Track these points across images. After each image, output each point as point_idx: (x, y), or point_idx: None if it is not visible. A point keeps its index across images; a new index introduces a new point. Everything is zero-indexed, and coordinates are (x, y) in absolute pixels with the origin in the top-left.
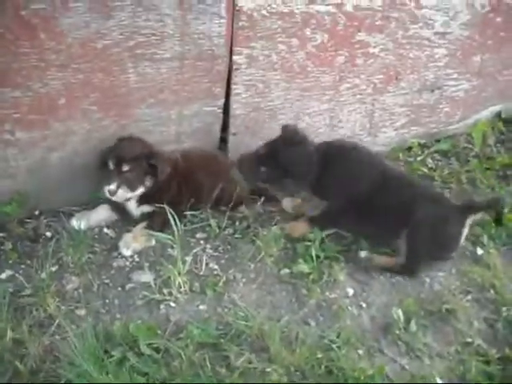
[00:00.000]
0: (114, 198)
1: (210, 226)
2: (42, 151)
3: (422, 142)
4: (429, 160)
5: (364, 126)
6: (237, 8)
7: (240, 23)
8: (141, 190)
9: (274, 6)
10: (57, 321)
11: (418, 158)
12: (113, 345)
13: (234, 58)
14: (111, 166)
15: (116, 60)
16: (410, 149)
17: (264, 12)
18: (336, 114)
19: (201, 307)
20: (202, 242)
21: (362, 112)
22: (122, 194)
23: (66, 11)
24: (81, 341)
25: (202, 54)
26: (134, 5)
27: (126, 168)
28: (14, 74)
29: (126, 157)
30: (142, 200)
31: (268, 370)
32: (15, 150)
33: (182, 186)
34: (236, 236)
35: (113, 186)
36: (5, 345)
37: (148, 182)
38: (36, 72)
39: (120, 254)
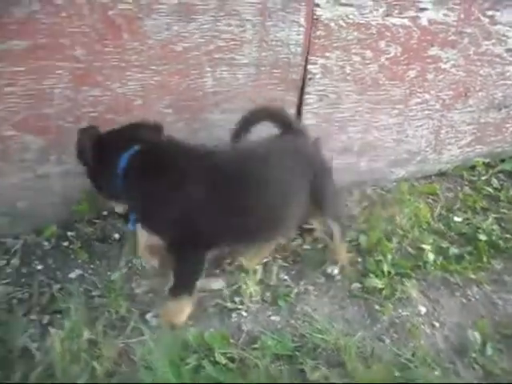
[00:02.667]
0: None
1: None
2: None
3: (487, 161)
4: (493, 180)
5: (430, 143)
6: (315, 17)
7: (317, 32)
8: None
9: (351, 16)
10: (131, 324)
11: (483, 178)
12: (188, 352)
13: (309, 67)
14: None
15: (194, 63)
16: (473, 167)
17: (341, 22)
18: (403, 129)
19: (273, 318)
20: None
21: (429, 128)
22: None
23: (151, 12)
24: (158, 346)
25: (279, 62)
26: (217, 9)
27: None
28: (95, 73)
29: None
30: None
31: None
32: None
33: None
34: (304, 247)
35: None
36: (81, 345)
37: None
38: (116, 72)
39: None
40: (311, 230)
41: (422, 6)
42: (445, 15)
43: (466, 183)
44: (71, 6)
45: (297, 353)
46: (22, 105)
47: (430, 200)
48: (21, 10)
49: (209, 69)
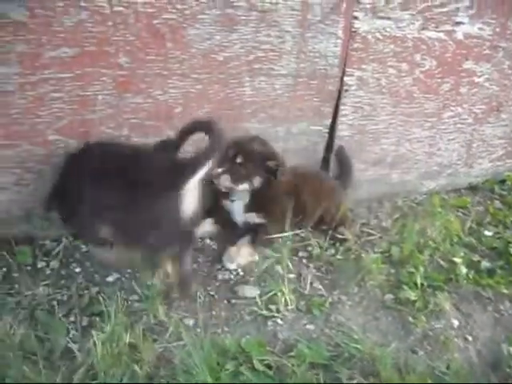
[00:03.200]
0: (215, 182)
1: (311, 245)
2: None
3: None
4: None
5: (461, 156)
6: (353, 29)
7: (355, 45)
8: (244, 187)
9: (388, 29)
10: (170, 328)
11: None
12: (226, 358)
13: (345, 79)
14: (230, 154)
15: (234, 73)
16: (503, 181)
17: (378, 35)
18: (436, 142)
19: (308, 326)
20: (304, 260)
21: (460, 141)
22: (223, 181)
23: (194, 22)
24: (198, 351)
25: (316, 73)
26: (258, 20)
27: (239, 160)
28: (138, 81)
29: (243, 151)
30: (249, 208)
31: None
32: None
33: (289, 201)
34: (338, 257)
35: (219, 170)
36: (122, 348)
37: (256, 183)
38: (158, 80)
39: (224, 267)
40: (344, 240)
41: (458, 19)
42: (480, 29)
43: (497, 197)
44: (117, 15)
45: (332, 362)
46: (66, 110)
47: (460, 213)
48: (70, 18)
49: (248, 78)
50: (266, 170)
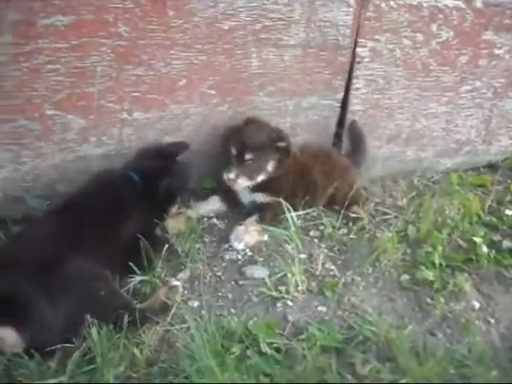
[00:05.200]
0: (232, 187)
1: (323, 224)
2: (157, 133)
3: None
4: None
5: (479, 133)
6: None
7: (367, 13)
8: (261, 178)
9: None
10: (172, 310)
11: None
12: (232, 341)
13: (358, 50)
14: (234, 152)
15: (240, 43)
16: None
17: (392, 3)
18: (453, 118)
19: (320, 308)
20: (315, 240)
21: (479, 117)
22: (240, 184)
23: None
24: (202, 334)
25: (326, 44)
26: None
27: (248, 156)
28: (139, 52)
29: (250, 145)
30: (256, 188)
31: (400, 382)
32: (130, 131)
33: (298, 180)
34: (351, 237)
35: (232, 175)
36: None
37: (270, 168)
38: (160, 50)
39: (231, 247)
40: (357, 219)
41: None
42: None
43: None
44: None
45: (345, 345)
46: (63, 83)
47: (479, 192)
48: None
49: (254, 49)
50: (277, 152)
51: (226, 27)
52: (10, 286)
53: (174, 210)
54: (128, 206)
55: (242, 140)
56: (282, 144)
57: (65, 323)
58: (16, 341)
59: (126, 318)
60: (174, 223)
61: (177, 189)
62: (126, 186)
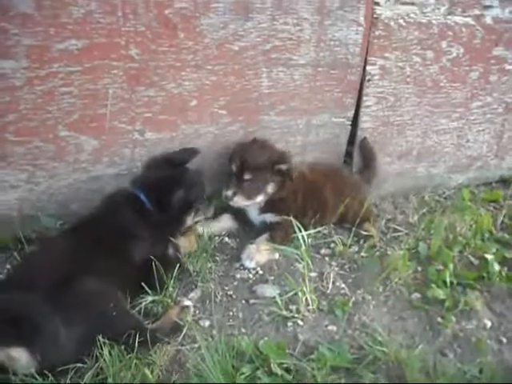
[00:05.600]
0: (230, 203)
1: (333, 242)
2: None
3: None
4: None
5: (491, 148)
6: (375, 16)
7: (377, 32)
8: (260, 199)
9: (412, 15)
10: (184, 331)
11: None
12: (242, 361)
13: (368, 68)
14: (234, 170)
15: (250, 63)
16: None
17: (401, 21)
18: (464, 133)
19: (330, 327)
20: (326, 258)
21: (490, 132)
22: (237, 201)
23: (207, 11)
24: (213, 354)
25: (336, 62)
26: (274, 7)
27: (247, 177)
28: (151, 73)
29: (249, 165)
30: (265, 208)
31: None
32: (143, 151)
33: (307, 199)
34: (362, 255)
35: (229, 192)
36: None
37: (270, 189)
38: (171, 72)
39: (242, 265)
40: (369, 237)
41: (486, 3)
42: (511, 13)
43: None
44: (127, 4)
45: (355, 365)
46: (77, 105)
47: (491, 208)
48: (78, 9)
49: (265, 69)
50: (278, 174)
51: (236, 48)
52: (23, 307)
53: (189, 220)
54: (134, 229)
55: (243, 159)
56: (283, 167)
57: (77, 343)
58: (28, 361)
59: (137, 339)
60: (185, 242)
61: (191, 199)
62: (131, 208)
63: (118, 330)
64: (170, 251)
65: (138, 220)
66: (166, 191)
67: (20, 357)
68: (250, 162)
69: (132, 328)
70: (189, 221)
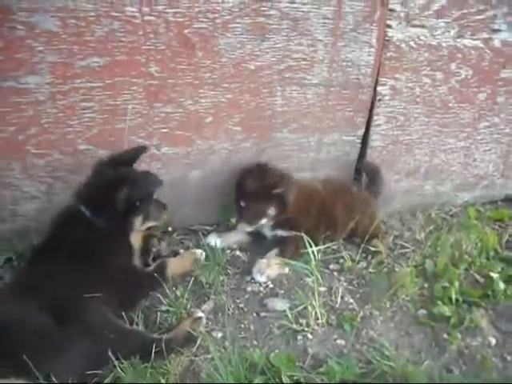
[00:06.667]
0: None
1: (342, 257)
2: (184, 168)
3: None
4: None
5: (498, 167)
6: (387, 38)
7: (388, 54)
8: (264, 221)
9: (422, 37)
10: (198, 342)
11: None
12: (254, 373)
13: (379, 88)
14: (234, 198)
15: (265, 82)
16: None
17: (412, 43)
18: (471, 153)
19: (338, 341)
20: (335, 273)
21: (497, 152)
22: (241, 228)
23: (225, 31)
24: (226, 365)
25: (348, 82)
26: (290, 29)
27: (242, 204)
28: (169, 90)
29: (244, 193)
30: (276, 225)
31: None
32: (159, 165)
33: (320, 215)
34: (370, 270)
35: (233, 220)
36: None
37: (272, 212)
38: (189, 89)
39: (253, 279)
40: (377, 253)
41: (495, 27)
42: None
43: None
44: (148, 24)
45: (363, 379)
46: (96, 119)
47: (496, 226)
48: (101, 28)
49: (279, 88)
50: (276, 198)
51: (252, 67)
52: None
53: (138, 223)
54: (84, 245)
55: (239, 187)
56: (277, 191)
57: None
58: None
59: (153, 349)
60: (177, 263)
61: (137, 196)
62: (77, 224)
63: (123, 351)
64: (151, 268)
65: (87, 235)
66: (109, 193)
67: None
68: (244, 190)
69: (137, 343)
70: (137, 223)
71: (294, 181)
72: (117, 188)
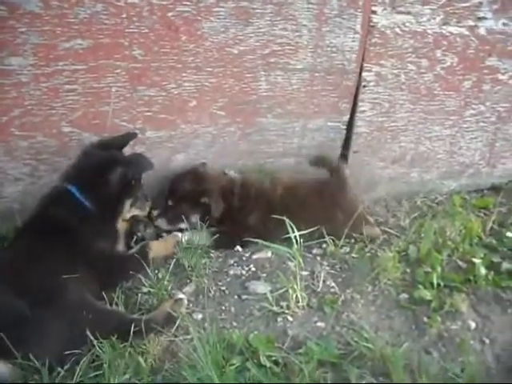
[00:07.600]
0: (155, 223)
1: (325, 242)
2: (167, 151)
3: None
4: None
5: (484, 156)
6: (371, 24)
7: (373, 40)
8: (184, 226)
9: (408, 24)
10: (177, 322)
11: None
12: (232, 353)
13: (364, 74)
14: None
15: (249, 67)
16: None
17: (397, 30)
18: (457, 141)
19: (319, 324)
20: (318, 258)
21: (483, 140)
22: (160, 224)
23: (209, 15)
24: (204, 345)
25: (333, 68)
26: (274, 13)
27: (169, 203)
28: (152, 73)
29: (172, 193)
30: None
31: None
32: (142, 148)
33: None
34: (353, 255)
35: (155, 213)
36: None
37: (194, 219)
38: (172, 73)
39: (236, 262)
40: (360, 239)
41: (481, 15)
42: (504, 24)
43: None
44: (132, 7)
45: (341, 360)
46: (80, 102)
47: (481, 214)
48: (84, 10)
49: (263, 73)
50: (203, 206)
51: (235, 51)
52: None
53: (127, 206)
54: (72, 226)
55: (173, 186)
56: (203, 200)
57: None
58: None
59: (131, 329)
60: (160, 245)
61: (131, 175)
62: (65, 205)
63: (102, 330)
64: (133, 250)
65: (73, 216)
66: (102, 174)
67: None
68: (174, 189)
69: (115, 323)
70: (127, 206)
71: (244, 182)
72: (110, 168)
